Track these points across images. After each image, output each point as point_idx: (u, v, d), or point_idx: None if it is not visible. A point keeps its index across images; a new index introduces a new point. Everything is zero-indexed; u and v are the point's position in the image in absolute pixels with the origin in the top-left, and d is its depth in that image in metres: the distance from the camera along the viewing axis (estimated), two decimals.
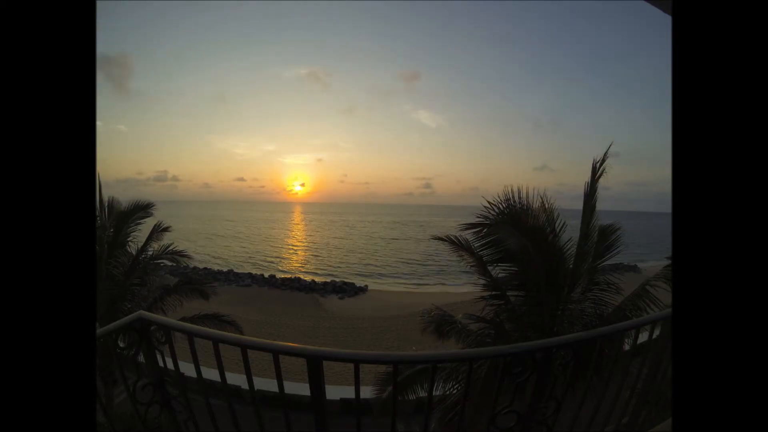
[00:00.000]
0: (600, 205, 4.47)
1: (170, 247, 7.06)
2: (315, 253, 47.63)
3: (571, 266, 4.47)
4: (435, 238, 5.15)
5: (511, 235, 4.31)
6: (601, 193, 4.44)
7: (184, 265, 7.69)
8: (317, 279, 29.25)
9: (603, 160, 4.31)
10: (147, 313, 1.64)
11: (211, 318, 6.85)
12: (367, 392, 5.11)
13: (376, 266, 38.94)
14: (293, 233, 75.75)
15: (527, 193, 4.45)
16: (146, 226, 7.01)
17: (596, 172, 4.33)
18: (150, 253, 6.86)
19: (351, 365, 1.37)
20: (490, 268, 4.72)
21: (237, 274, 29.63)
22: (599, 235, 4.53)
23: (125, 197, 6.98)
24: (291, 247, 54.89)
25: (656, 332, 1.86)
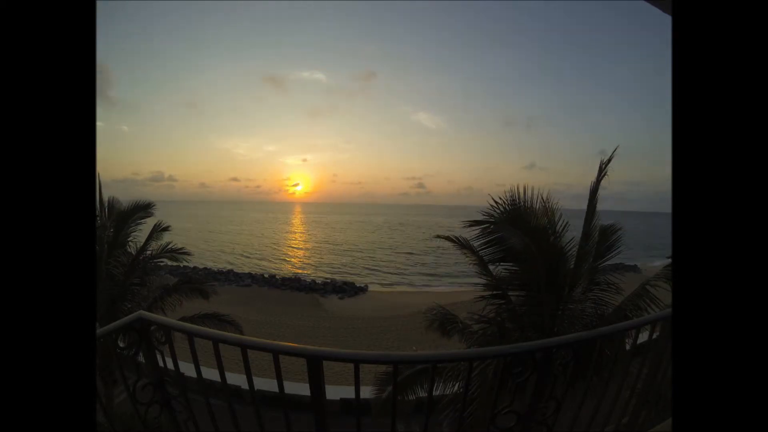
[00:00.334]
0: (599, 206, 4.48)
1: (170, 246, 7.07)
2: (315, 253, 47.65)
3: (572, 266, 4.47)
4: (439, 237, 5.19)
5: (513, 234, 4.32)
6: (599, 192, 4.44)
7: (185, 263, 7.69)
8: (317, 279, 29.27)
9: (609, 161, 4.29)
10: (147, 313, 1.64)
11: (211, 318, 6.84)
12: (367, 392, 5.11)
13: (376, 266, 38.92)
14: (293, 234, 75.78)
15: (532, 194, 4.46)
16: (146, 226, 7.02)
17: (602, 172, 4.29)
18: (149, 252, 6.86)
19: (351, 365, 1.37)
20: (491, 267, 4.74)
21: (237, 274, 29.66)
22: (600, 235, 4.53)
23: (124, 197, 7.01)
24: (291, 247, 54.92)
25: (656, 332, 1.86)
